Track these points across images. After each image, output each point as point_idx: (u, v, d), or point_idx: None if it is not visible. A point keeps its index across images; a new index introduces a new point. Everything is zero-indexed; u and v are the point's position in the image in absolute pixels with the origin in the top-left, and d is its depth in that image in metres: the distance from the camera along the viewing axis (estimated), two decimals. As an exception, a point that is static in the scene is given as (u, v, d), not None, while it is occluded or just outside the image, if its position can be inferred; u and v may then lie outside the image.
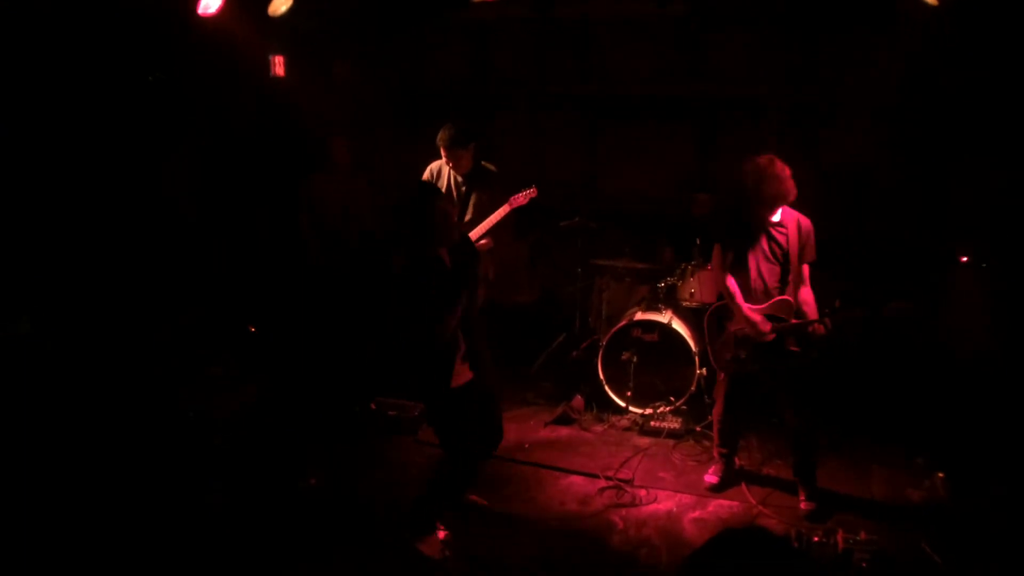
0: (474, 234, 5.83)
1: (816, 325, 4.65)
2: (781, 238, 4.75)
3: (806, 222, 4.76)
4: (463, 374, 4.36)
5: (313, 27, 7.25)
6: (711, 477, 5.32)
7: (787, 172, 4.61)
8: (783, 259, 4.76)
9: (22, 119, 5.61)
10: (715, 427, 5.30)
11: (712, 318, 5.10)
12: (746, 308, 4.83)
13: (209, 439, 5.44)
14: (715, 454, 5.36)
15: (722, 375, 5.15)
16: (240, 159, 7.11)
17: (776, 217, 4.75)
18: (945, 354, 6.16)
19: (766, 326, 4.76)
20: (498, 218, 5.77)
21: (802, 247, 4.74)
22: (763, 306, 4.80)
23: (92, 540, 4.46)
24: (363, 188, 7.01)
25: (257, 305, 6.87)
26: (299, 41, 7.27)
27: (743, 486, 5.26)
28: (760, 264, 4.81)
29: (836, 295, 4.83)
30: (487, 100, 8.22)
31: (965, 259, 5.72)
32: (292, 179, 6.93)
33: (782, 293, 4.77)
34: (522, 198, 5.72)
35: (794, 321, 4.71)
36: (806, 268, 4.81)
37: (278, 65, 7.25)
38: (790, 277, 4.76)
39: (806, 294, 4.79)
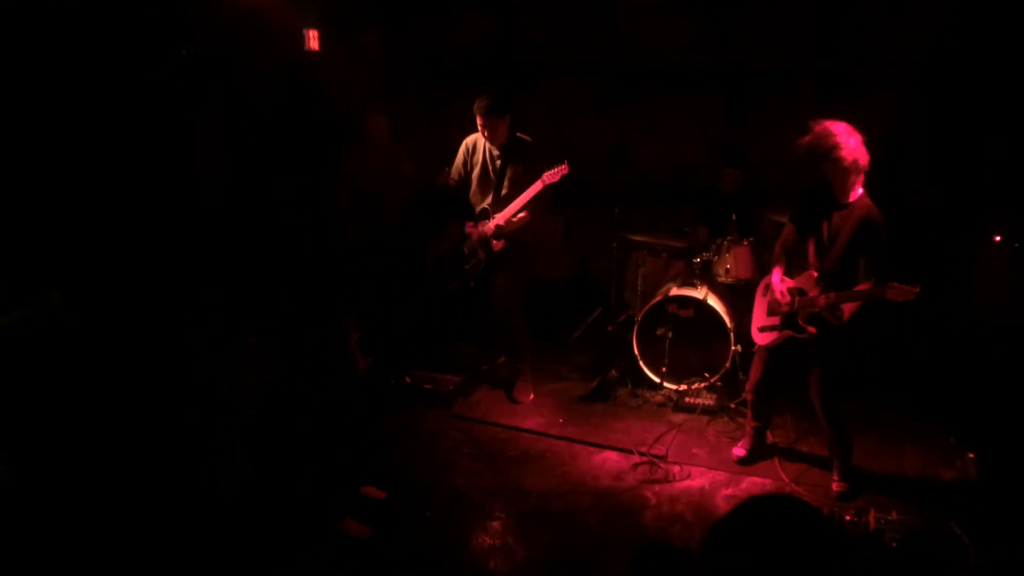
0: (510, 209, 5.85)
1: (819, 299, 4.57)
2: (838, 219, 4.61)
3: (875, 217, 4.51)
4: None
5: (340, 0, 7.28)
6: (739, 450, 5.40)
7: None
8: (831, 240, 4.65)
9: (51, 95, 5.67)
10: (748, 396, 5.35)
11: (762, 286, 5.23)
12: (775, 275, 4.92)
13: (240, 410, 5.53)
14: (748, 428, 5.42)
15: (756, 347, 5.20)
16: (270, 131, 7.16)
17: (847, 199, 4.58)
18: (978, 331, 6.12)
19: (785, 297, 4.81)
20: (532, 195, 5.76)
21: (858, 236, 4.52)
22: (795, 279, 4.85)
23: (115, 510, 4.59)
24: (405, 161, 7.07)
25: (286, 278, 6.93)
26: (328, 13, 7.28)
27: (776, 463, 5.30)
28: (810, 241, 4.79)
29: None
30: (516, 70, 8.18)
31: (999, 238, 5.63)
32: (322, 150, 6.98)
33: (820, 269, 4.72)
34: (555, 174, 5.68)
35: (811, 294, 4.68)
36: (865, 264, 4.56)
37: (312, 39, 7.27)
38: (837, 260, 4.62)
39: (861, 288, 4.56)
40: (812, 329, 4.72)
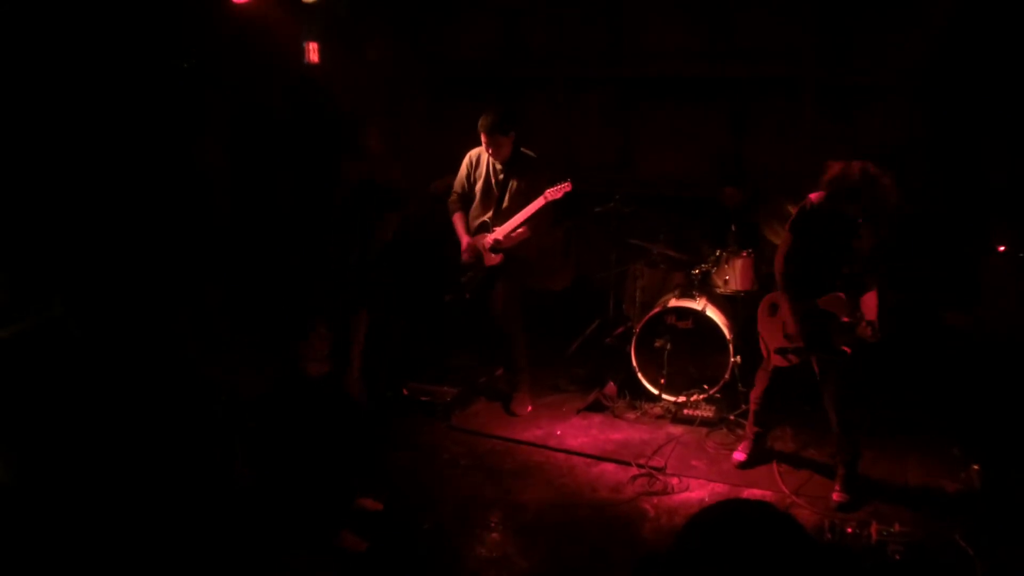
0: (509, 225, 5.82)
1: (863, 327, 4.51)
2: (856, 242, 4.60)
3: (883, 231, 4.57)
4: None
5: (345, 11, 7.26)
6: (739, 455, 5.38)
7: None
8: (850, 260, 4.63)
9: (59, 104, 5.66)
10: (752, 406, 5.33)
11: (766, 304, 5.13)
12: (791, 303, 4.83)
13: (240, 420, 5.48)
14: (748, 432, 5.40)
15: (766, 358, 5.15)
16: (272, 141, 7.15)
17: (859, 219, 4.57)
18: (983, 342, 6.08)
19: (809, 327, 4.76)
20: (533, 211, 5.73)
21: (872, 256, 4.58)
22: (821, 300, 4.74)
23: (113, 518, 4.56)
24: (397, 173, 7.06)
25: (284, 283, 6.89)
26: (332, 25, 7.28)
27: (776, 475, 5.25)
28: (825, 260, 4.72)
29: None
30: (520, 81, 8.19)
31: (1002, 248, 5.61)
32: (324, 160, 6.96)
33: (839, 291, 4.67)
34: (557, 192, 5.66)
35: (844, 320, 4.61)
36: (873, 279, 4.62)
37: (312, 52, 7.27)
38: (851, 277, 4.63)
39: (869, 299, 4.60)
40: (848, 350, 4.68)
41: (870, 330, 4.51)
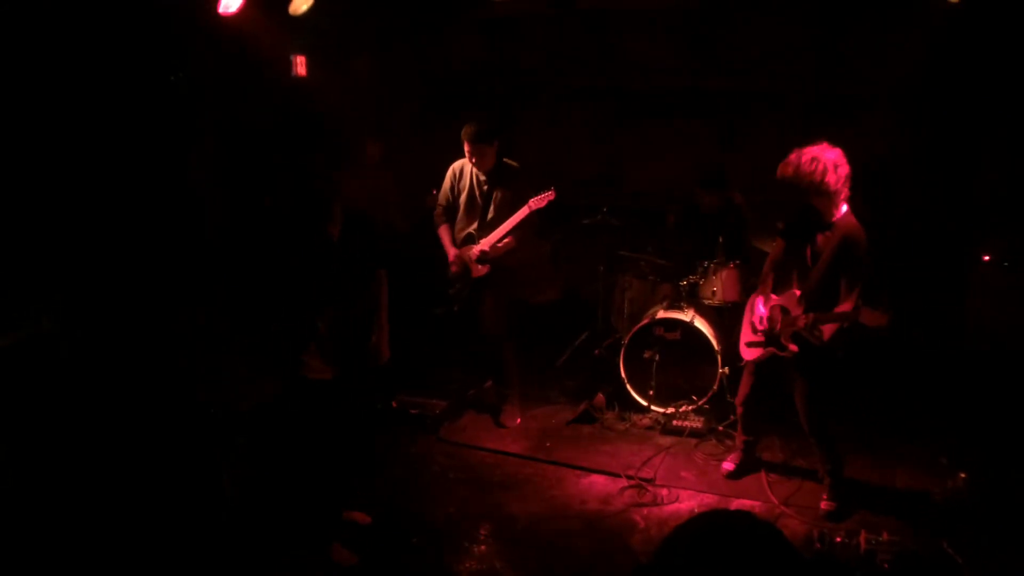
0: (495, 235, 5.83)
1: (800, 320, 4.55)
2: (822, 239, 4.60)
3: (857, 235, 4.48)
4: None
5: (334, 25, 7.28)
6: (728, 464, 5.41)
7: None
8: (814, 259, 4.64)
9: (46, 118, 5.66)
10: (738, 411, 5.36)
11: (751, 302, 5.21)
12: (759, 294, 4.98)
13: (231, 436, 5.46)
14: (738, 442, 5.43)
15: (743, 362, 5.21)
16: (262, 155, 7.15)
17: (832, 219, 4.56)
18: (970, 350, 6.11)
19: (764, 320, 4.87)
20: (518, 220, 5.75)
21: (839, 255, 4.50)
22: (779, 297, 4.86)
23: (103, 536, 4.53)
24: (390, 184, 7.08)
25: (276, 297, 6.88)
26: (320, 39, 7.29)
27: (766, 485, 5.26)
28: (794, 258, 4.79)
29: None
30: (510, 95, 8.23)
31: (987, 258, 5.65)
32: (313, 173, 6.97)
33: (802, 289, 4.72)
34: (541, 200, 5.68)
35: (794, 314, 4.68)
36: (846, 283, 4.53)
37: (299, 65, 7.28)
38: (819, 280, 4.61)
39: (842, 309, 4.51)
40: (794, 347, 4.72)
41: (803, 322, 4.53)
